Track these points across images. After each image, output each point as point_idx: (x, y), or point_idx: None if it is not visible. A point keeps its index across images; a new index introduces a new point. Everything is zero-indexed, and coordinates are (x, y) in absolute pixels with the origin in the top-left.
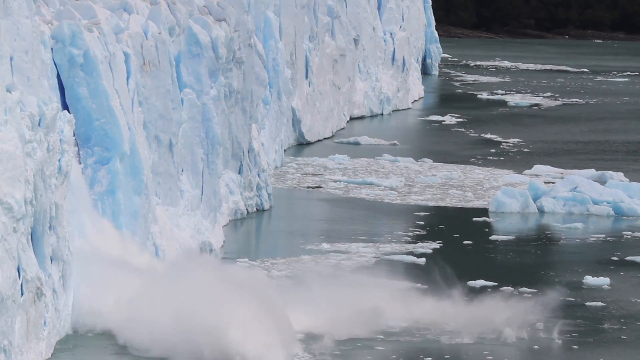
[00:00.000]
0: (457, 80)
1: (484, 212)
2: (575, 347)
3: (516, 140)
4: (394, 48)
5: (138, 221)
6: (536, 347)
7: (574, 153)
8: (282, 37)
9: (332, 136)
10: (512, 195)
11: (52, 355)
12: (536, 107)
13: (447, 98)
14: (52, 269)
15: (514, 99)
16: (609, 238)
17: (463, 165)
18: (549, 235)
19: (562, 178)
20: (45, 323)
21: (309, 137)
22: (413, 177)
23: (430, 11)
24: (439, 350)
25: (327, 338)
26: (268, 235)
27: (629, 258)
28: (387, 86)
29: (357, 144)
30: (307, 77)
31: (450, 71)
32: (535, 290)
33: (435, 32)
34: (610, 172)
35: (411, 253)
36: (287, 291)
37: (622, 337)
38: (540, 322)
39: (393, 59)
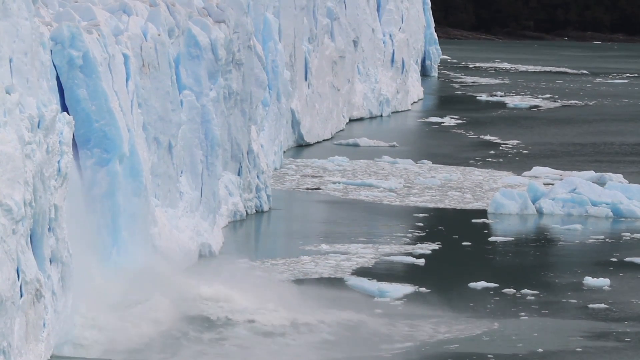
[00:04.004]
0: (456, 82)
1: (483, 213)
2: (578, 349)
3: (515, 141)
4: (393, 50)
5: (137, 223)
6: (540, 350)
7: (573, 155)
8: (281, 39)
9: (332, 138)
10: (511, 196)
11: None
12: (535, 109)
13: (447, 100)
14: (52, 271)
15: (513, 101)
16: (608, 239)
17: (462, 167)
18: (548, 237)
19: (561, 180)
20: (44, 325)
21: (308, 139)
22: (412, 178)
23: (430, 13)
24: (440, 352)
25: None
26: (267, 236)
27: (628, 259)
28: (387, 88)
29: (356, 145)
30: (306, 79)
31: (450, 73)
32: (536, 292)
33: (435, 34)
34: (609, 173)
35: (410, 254)
36: None
37: (626, 339)
38: (543, 325)
39: (392, 60)
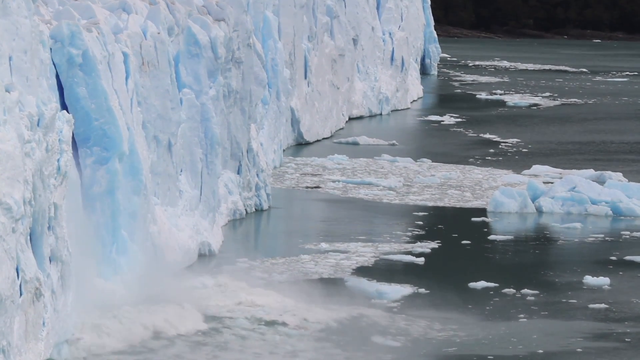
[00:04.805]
0: (455, 80)
1: (482, 212)
2: (578, 350)
3: (515, 140)
4: (393, 48)
5: (137, 221)
6: (540, 351)
7: (573, 153)
8: (281, 37)
9: (331, 136)
10: (511, 195)
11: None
12: (535, 107)
13: (446, 98)
14: (51, 270)
15: (513, 99)
16: (607, 238)
17: (462, 166)
18: (548, 236)
19: (560, 178)
20: (44, 323)
21: (308, 137)
22: (412, 177)
23: (429, 11)
24: (439, 354)
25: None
26: (267, 235)
27: (627, 258)
28: (386, 86)
29: (355, 144)
30: (306, 77)
31: (449, 71)
32: (536, 292)
33: (434, 32)
34: (608, 172)
35: (410, 253)
36: None
37: (627, 339)
38: (543, 325)
39: (392, 59)
